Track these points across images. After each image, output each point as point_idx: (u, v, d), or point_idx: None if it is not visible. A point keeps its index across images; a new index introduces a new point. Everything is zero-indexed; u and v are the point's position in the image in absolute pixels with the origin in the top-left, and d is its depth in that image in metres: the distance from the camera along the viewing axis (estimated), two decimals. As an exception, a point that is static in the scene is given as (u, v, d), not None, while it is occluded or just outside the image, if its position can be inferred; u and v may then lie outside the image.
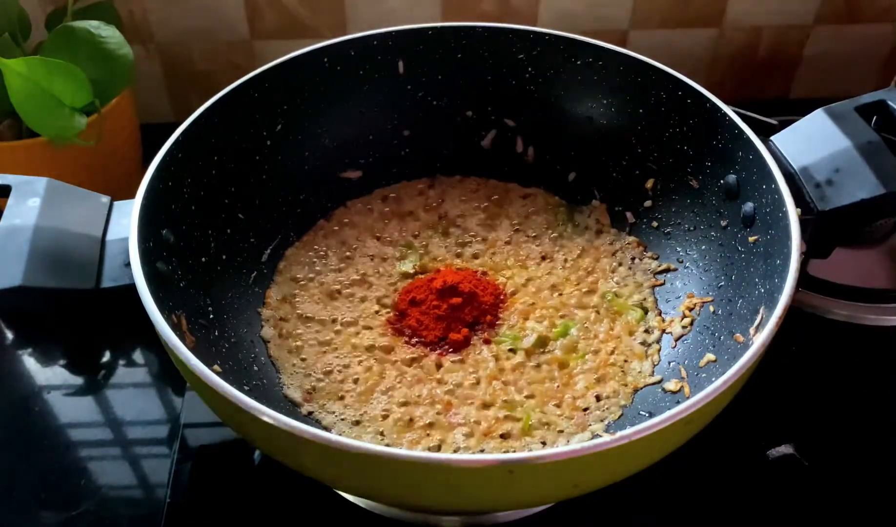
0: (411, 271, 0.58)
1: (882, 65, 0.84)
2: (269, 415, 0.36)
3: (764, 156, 0.49)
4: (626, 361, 0.53)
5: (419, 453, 0.43)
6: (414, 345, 0.53)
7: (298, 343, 0.54)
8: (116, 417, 0.55)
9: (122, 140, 0.68)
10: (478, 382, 0.51)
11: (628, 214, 0.61)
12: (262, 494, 0.50)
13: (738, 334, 0.47)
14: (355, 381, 0.51)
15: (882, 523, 0.50)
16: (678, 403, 0.39)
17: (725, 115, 0.53)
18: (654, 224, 0.59)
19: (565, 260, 0.59)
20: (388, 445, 0.48)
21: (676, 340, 0.53)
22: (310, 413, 0.50)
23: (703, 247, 0.55)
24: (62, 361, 0.59)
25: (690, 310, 0.53)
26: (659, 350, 0.53)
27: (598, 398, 0.50)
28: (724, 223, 0.54)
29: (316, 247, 0.60)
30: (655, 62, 0.57)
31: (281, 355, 0.53)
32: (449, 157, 0.65)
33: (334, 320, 0.55)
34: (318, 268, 0.59)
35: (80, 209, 0.49)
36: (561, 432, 0.48)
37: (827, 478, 0.51)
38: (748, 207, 0.51)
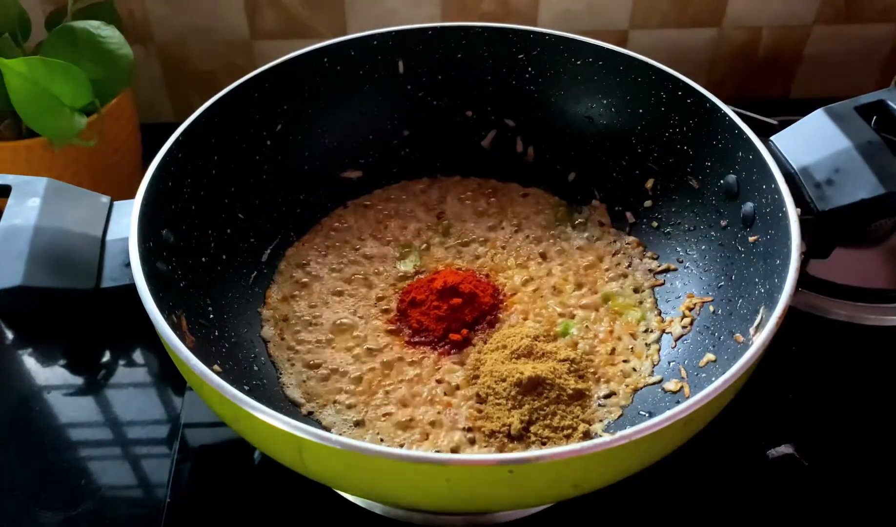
0: (411, 271, 0.58)
1: (882, 65, 0.84)
2: (269, 415, 0.36)
3: (764, 156, 0.49)
4: (625, 361, 0.53)
5: (419, 452, 0.43)
6: (414, 345, 0.53)
7: (299, 343, 0.54)
8: (116, 417, 0.55)
9: (122, 140, 0.68)
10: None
11: (628, 214, 0.61)
12: (262, 494, 0.50)
13: (738, 334, 0.47)
14: (355, 381, 0.51)
15: (882, 523, 0.50)
16: (678, 403, 0.39)
17: (725, 115, 0.53)
18: (654, 224, 0.59)
19: (565, 260, 0.59)
20: (388, 445, 0.48)
21: (676, 340, 0.53)
22: (310, 413, 0.50)
23: (703, 247, 0.55)
24: (62, 361, 0.59)
25: (690, 310, 0.53)
26: (659, 350, 0.53)
27: (597, 398, 0.50)
28: (724, 223, 0.54)
29: (316, 247, 0.60)
30: (655, 62, 0.57)
31: (281, 355, 0.53)
32: (449, 157, 0.65)
33: (334, 320, 0.55)
34: (318, 268, 0.59)
35: (80, 209, 0.49)
36: (561, 431, 0.49)
37: (827, 478, 0.51)
38: (748, 207, 0.51)
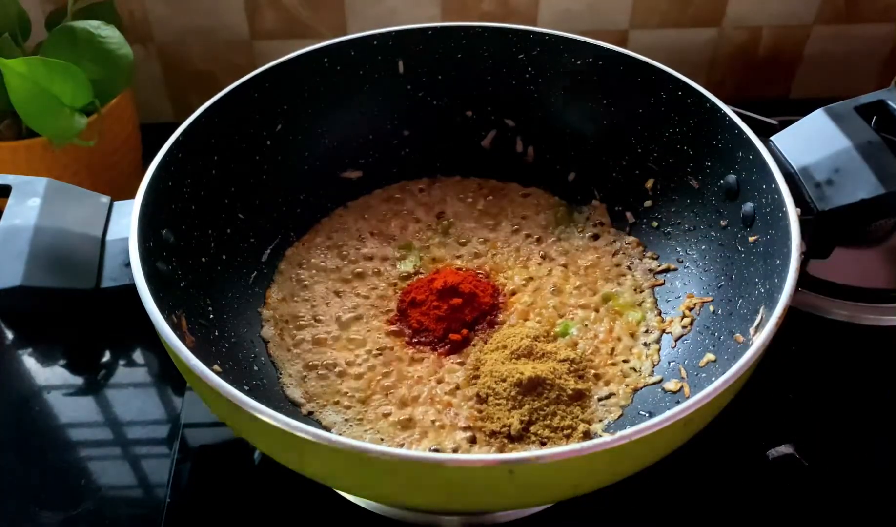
0: (411, 271, 0.58)
1: (882, 65, 0.84)
2: (269, 415, 0.36)
3: (764, 156, 0.49)
4: (625, 361, 0.53)
5: (419, 453, 0.43)
6: (414, 345, 0.53)
7: (299, 343, 0.54)
8: (116, 417, 0.55)
9: (122, 140, 0.68)
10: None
11: (628, 214, 0.61)
12: (262, 494, 0.50)
13: (738, 334, 0.47)
14: (356, 381, 0.51)
15: (882, 523, 0.50)
16: (678, 403, 0.39)
17: (725, 115, 0.53)
18: (654, 224, 0.59)
19: (565, 260, 0.59)
20: (388, 444, 0.48)
21: (676, 340, 0.53)
22: (310, 413, 0.50)
23: (703, 247, 0.55)
24: (62, 361, 0.59)
25: (690, 310, 0.53)
26: (659, 350, 0.53)
27: (597, 398, 0.50)
28: (724, 223, 0.54)
29: (316, 247, 0.60)
30: (655, 62, 0.57)
31: (281, 355, 0.53)
32: (449, 157, 0.65)
33: (334, 320, 0.55)
34: (318, 268, 0.59)
35: (80, 209, 0.49)
36: (561, 431, 0.48)
37: (827, 478, 0.51)
38: (748, 207, 0.51)
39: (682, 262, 0.57)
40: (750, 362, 0.39)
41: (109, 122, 0.64)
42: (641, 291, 0.57)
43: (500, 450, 0.47)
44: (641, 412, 0.49)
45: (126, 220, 0.47)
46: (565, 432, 0.47)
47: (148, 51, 0.77)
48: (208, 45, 0.77)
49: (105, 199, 0.51)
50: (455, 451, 0.47)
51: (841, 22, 0.80)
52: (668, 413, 0.36)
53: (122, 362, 0.59)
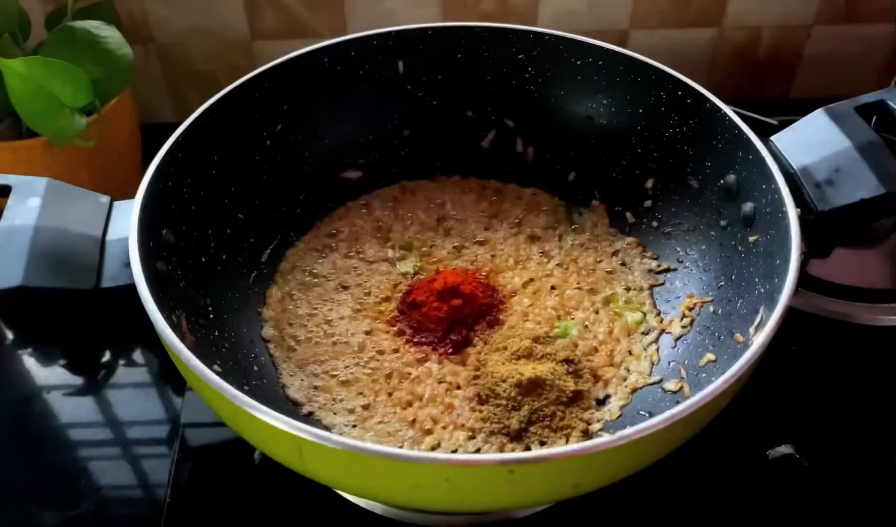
0: (412, 272, 0.58)
1: (882, 65, 0.84)
2: (269, 415, 0.36)
3: (764, 156, 0.49)
4: (625, 361, 0.53)
5: (419, 452, 0.43)
6: (415, 345, 0.53)
7: (299, 343, 0.54)
8: (116, 417, 0.55)
9: (122, 140, 0.68)
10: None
11: (628, 214, 0.61)
12: (262, 494, 0.50)
13: (738, 334, 0.47)
14: (356, 381, 0.51)
15: (882, 523, 0.50)
16: (678, 403, 0.39)
17: (725, 115, 0.53)
18: (654, 224, 0.59)
19: (565, 260, 0.59)
20: (388, 445, 0.48)
21: (676, 340, 0.53)
22: (310, 413, 0.50)
23: (703, 247, 0.55)
24: (62, 361, 0.59)
25: (690, 310, 0.53)
26: (658, 350, 0.53)
27: (597, 399, 0.50)
28: (723, 223, 0.54)
29: (316, 247, 0.60)
30: (655, 62, 0.57)
31: (281, 355, 0.53)
32: (449, 157, 0.65)
33: (335, 320, 0.55)
34: (318, 268, 0.59)
35: (80, 209, 0.49)
36: (561, 432, 0.48)
37: (827, 478, 0.51)
38: (748, 207, 0.51)
39: (681, 262, 0.57)
40: (750, 362, 0.39)
41: (109, 122, 0.64)
42: (641, 292, 0.57)
43: (500, 450, 0.47)
44: (641, 412, 0.49)
45: (126, 220, 0.46)
46: (565, 432, 0.47)
47: (148, 51, 0.77)
48: (208, 45, 0.77)
49: (105, 199, 0.51)
50: (455, 451, 0.47)
51: (841, 22, 0.80)
52: (668, 413, 0.36)
53: (122, 362, 0.59)
